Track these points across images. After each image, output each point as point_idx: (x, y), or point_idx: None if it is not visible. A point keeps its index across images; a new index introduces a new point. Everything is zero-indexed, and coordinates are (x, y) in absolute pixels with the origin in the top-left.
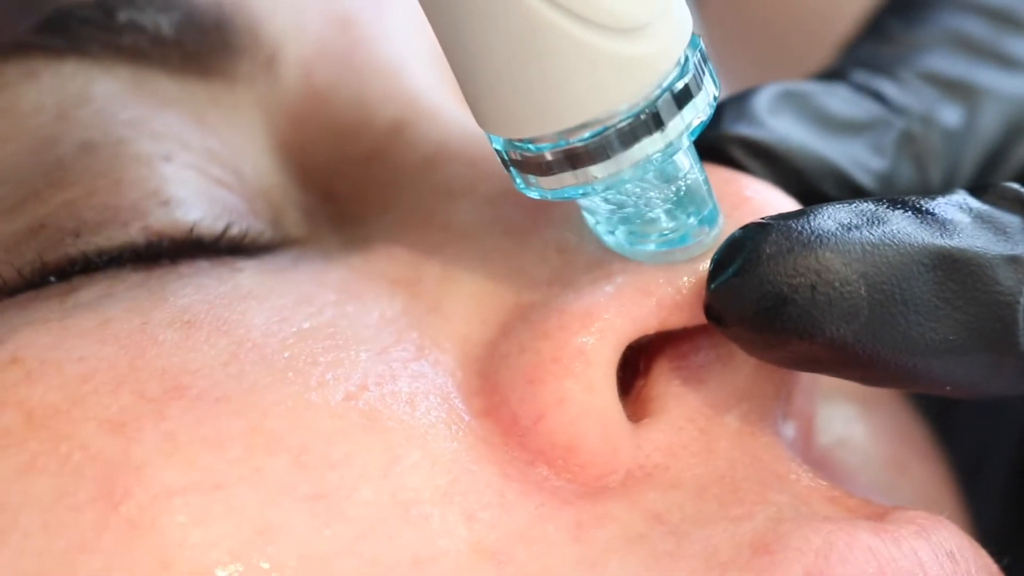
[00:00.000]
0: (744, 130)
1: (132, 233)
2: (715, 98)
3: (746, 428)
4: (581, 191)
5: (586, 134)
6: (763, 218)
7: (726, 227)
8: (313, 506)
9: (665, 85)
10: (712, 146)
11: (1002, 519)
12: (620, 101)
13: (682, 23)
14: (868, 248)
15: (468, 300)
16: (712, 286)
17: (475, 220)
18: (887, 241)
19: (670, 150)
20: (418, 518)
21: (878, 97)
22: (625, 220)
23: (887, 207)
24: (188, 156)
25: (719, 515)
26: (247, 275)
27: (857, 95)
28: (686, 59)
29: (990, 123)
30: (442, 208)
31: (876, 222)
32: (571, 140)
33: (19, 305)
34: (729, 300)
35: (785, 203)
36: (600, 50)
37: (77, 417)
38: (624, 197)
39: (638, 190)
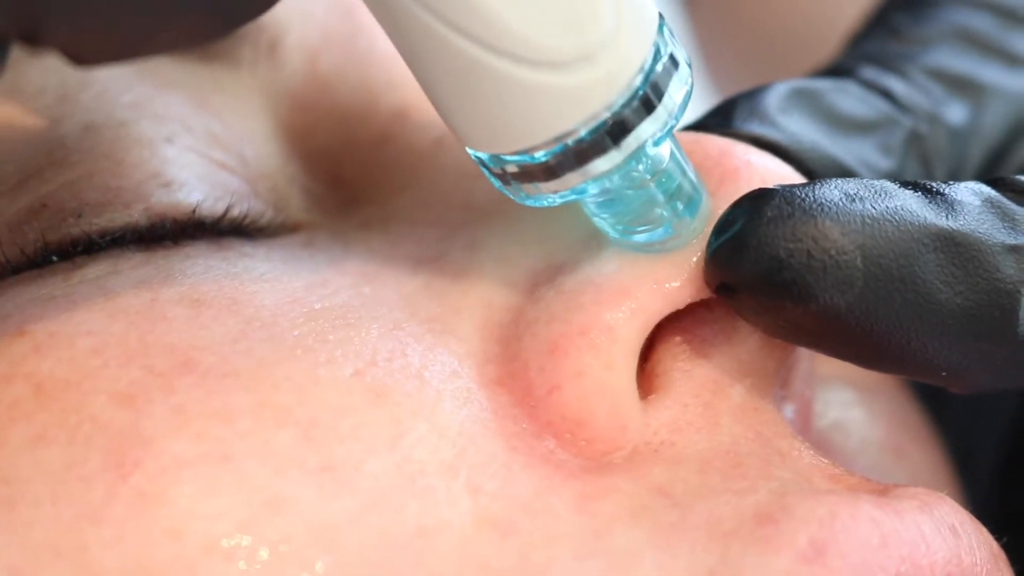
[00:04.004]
0: (756, 129)
1: (134, 214)
2: (685, 99)
3: (750, 403)
4: (546, 200)
5: (539, 154)
6: (774, 186)
7: (714, 204)
8: (321, 478)
9: (616, 107)
10: None
11: (993, 508)
12: (573, 122)
13: (634, 43)
14: (868, 221)
15: (495, 264)
16: (712, 247)
17: (497, 198)
18: (888, 216)
19: (627, 166)
20: (424, 490)
21: (886, 95)
22: (613, 213)
23: (898, 184)
24: (189, 139)
25: (723, 488)
26: (258, 259)
27: (866, 93)
28: (646, 74)
29: (995, 121)
30: (460, 188)
31: (882, 196)
32: (535, 156)
33: (23, 282)
34: (727, 262)
35: (785, 173)
36: (540, 84)
37: (87, 390)
38: (610, 196)
39: (616, 188)
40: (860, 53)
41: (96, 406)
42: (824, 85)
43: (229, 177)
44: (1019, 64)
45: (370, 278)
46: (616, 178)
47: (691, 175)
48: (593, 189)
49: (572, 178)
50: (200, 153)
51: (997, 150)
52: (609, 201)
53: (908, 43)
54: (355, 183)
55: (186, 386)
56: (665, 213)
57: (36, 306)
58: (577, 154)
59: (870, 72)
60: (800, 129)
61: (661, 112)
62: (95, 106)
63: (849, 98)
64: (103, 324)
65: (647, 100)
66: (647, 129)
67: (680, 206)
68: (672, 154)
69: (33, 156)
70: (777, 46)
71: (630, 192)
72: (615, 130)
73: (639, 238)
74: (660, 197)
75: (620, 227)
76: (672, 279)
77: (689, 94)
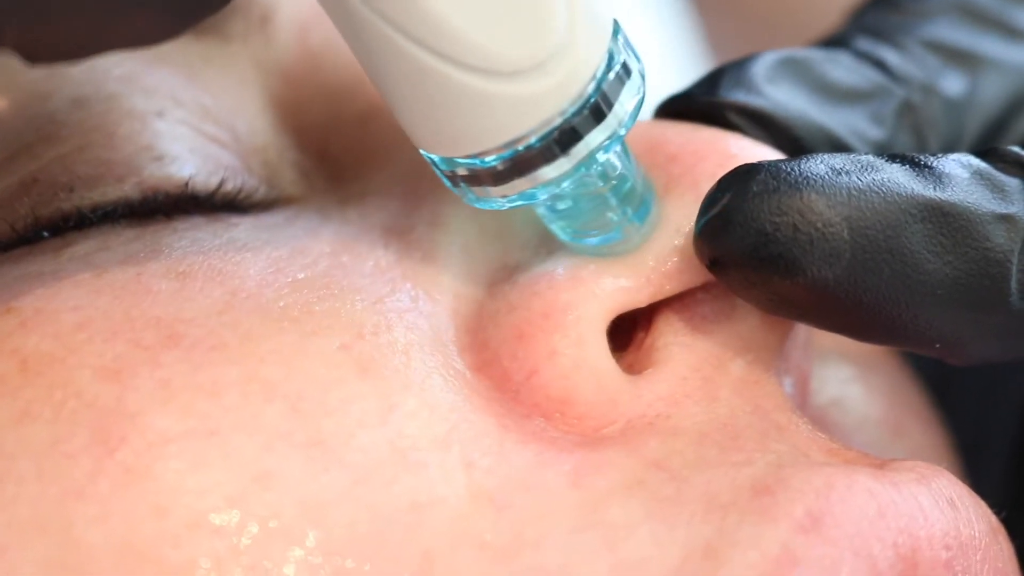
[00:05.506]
0: (742, 97)
1: (127, 188)
2: (636, 107)
3: (749, 377)
4: (495, 204)
5: (490, 159)
6: (760, 161)
7: (664, 213)
8: (310, 452)
9: (568, 115)
10: (710, 113)
11: (1004, 495)
12: (523, 129)
13: (587, 51)
14: (855, 193)
15: (459, 254)
16: (699, 224)
17: None
18: (874, 188)
19: (576, 173)
20: (416, 465)
21: (880, 65)
22: (564, 217)
23: (886, 159)
24: (181, 112)
25: (719, 460)
26: (242, 230)
27: (859, 63)
28: (598, 83)
29: (993, 93)
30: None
31: (868, 169)
32: (485, 160)
33: (12, 259)
34: (714, 237)
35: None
36: (491, 92)
37: (72, 365)
38: (560, 201)
39: (569, 193)
40: (857, 25)
41: (81, 381)
42: (815, 55)
43: (221, 151)
44: (1019, 37)
45: (347, 247)
46: (566, 184)
47: (640, 180)
48: (542, 195)
49: (521, 183)
50: (192, 127)
51: (995, 122)
52: (560, 206)
53: (907, 15)
54: (341, 159)
55: (172, 360)
56: (615, 218)
57: (24, 283)
58: (527, 160)
59: (864, 43)
60: (787, 98)
61: (611, 120)
62: (85, 80)
63: (840, 68)
64: (88, 299)
65: (597, 109)
66: (596, 137)
67: (630, 211)
68: (622, 160)
69: (23, 131)
70: (782, 39)
71: (581, 198)
72: (564, 138)
73: (590, 241)
74: (612, 202)
75: (571, 231)
76: (626, 275)
77: (641, 103)
